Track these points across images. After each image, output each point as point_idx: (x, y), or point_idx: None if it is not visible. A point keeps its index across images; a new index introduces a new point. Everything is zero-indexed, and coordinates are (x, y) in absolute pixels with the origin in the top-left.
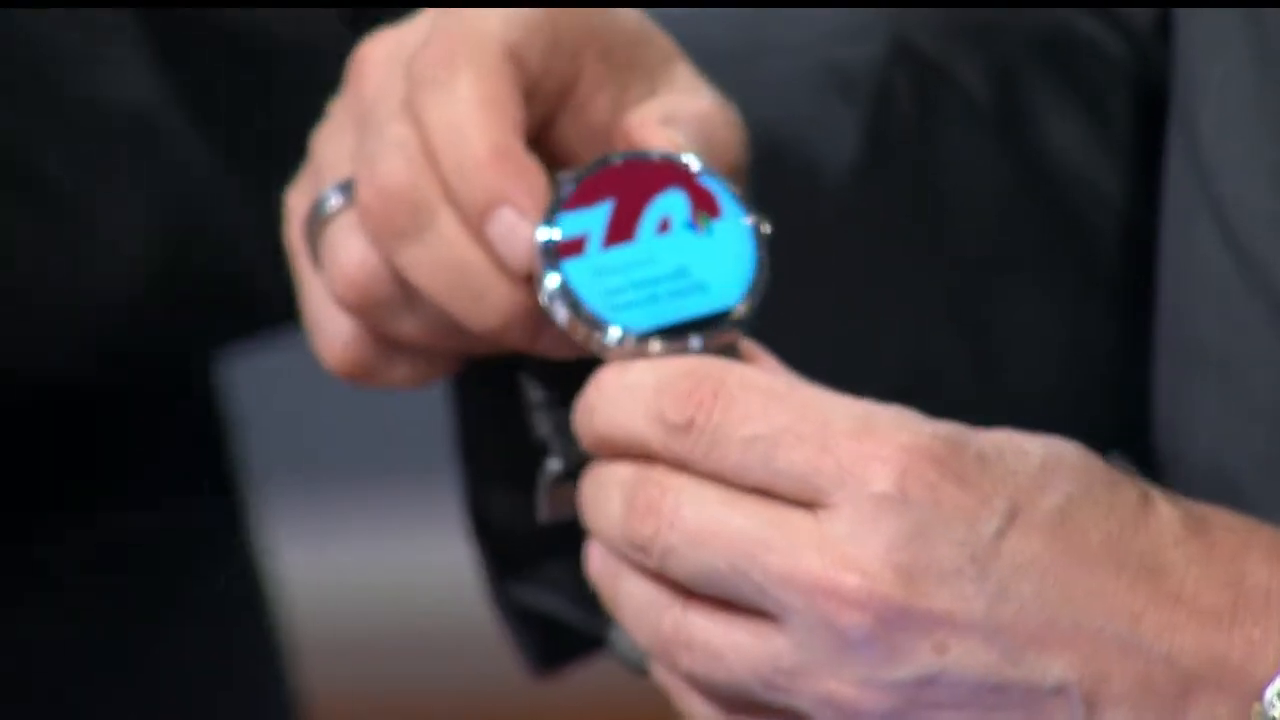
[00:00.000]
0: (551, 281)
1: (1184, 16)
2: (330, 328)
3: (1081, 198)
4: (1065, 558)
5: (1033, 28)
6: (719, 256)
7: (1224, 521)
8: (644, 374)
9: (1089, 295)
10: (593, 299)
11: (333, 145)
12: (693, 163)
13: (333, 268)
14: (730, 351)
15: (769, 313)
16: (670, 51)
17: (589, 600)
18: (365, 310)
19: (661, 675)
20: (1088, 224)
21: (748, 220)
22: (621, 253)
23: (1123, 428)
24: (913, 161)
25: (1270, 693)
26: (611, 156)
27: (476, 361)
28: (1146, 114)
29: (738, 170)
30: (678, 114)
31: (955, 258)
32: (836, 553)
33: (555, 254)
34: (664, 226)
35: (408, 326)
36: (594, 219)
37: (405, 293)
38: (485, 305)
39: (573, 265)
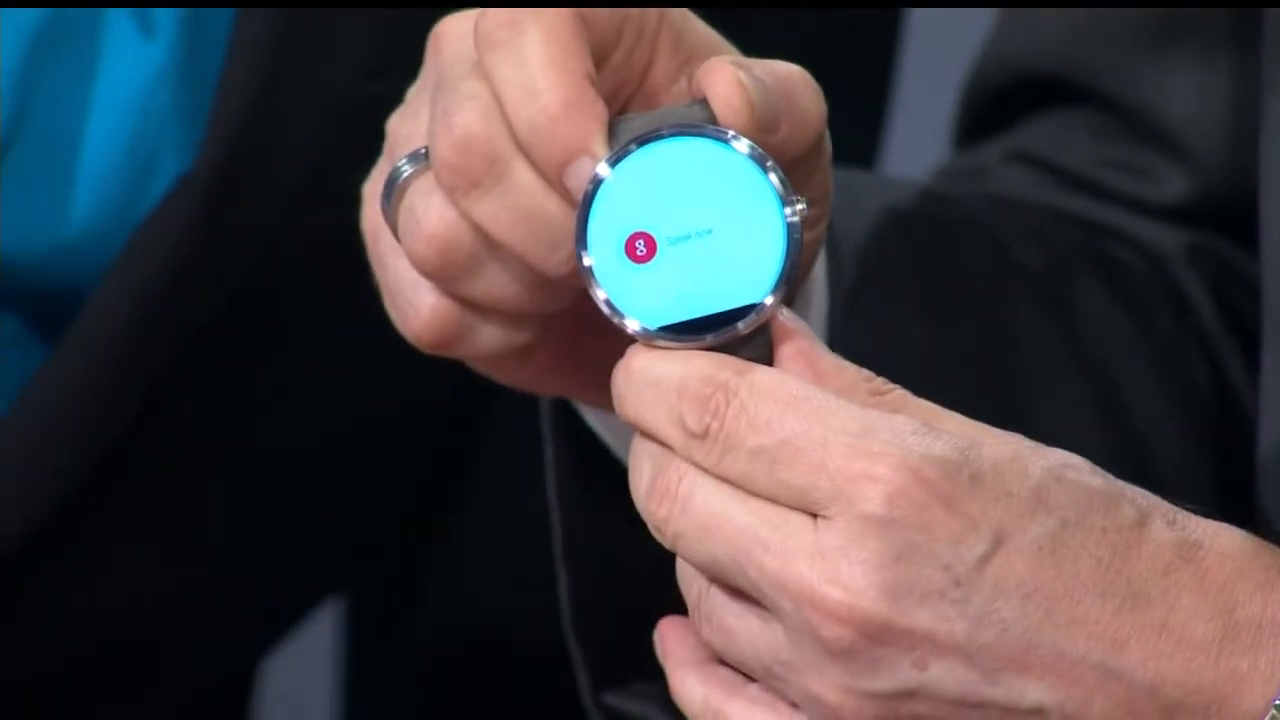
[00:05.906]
0: (585, 260)
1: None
2: (414, 297)
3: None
4: (1051, 584)
5: (1074, 240)
6: (752, 245)
7: (1221, 546)
8: (667, 370)
9: None
10: (617, 286)
11: (407, 125)
12: (737, 140)
13: (412, 228)
14: (761, 332)
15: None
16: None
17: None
18: (446, 270)
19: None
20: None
21: (785, 208)
22: None
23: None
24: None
25: None
26: (663, 128)
27: (578, 469)
28: (1178, 327)
29: (816, 140)
30: (754, 67)
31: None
32: (826, 564)
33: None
34: None
35: (488, 285)
36: None
37: (484, 249)
38: (564, 251)
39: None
